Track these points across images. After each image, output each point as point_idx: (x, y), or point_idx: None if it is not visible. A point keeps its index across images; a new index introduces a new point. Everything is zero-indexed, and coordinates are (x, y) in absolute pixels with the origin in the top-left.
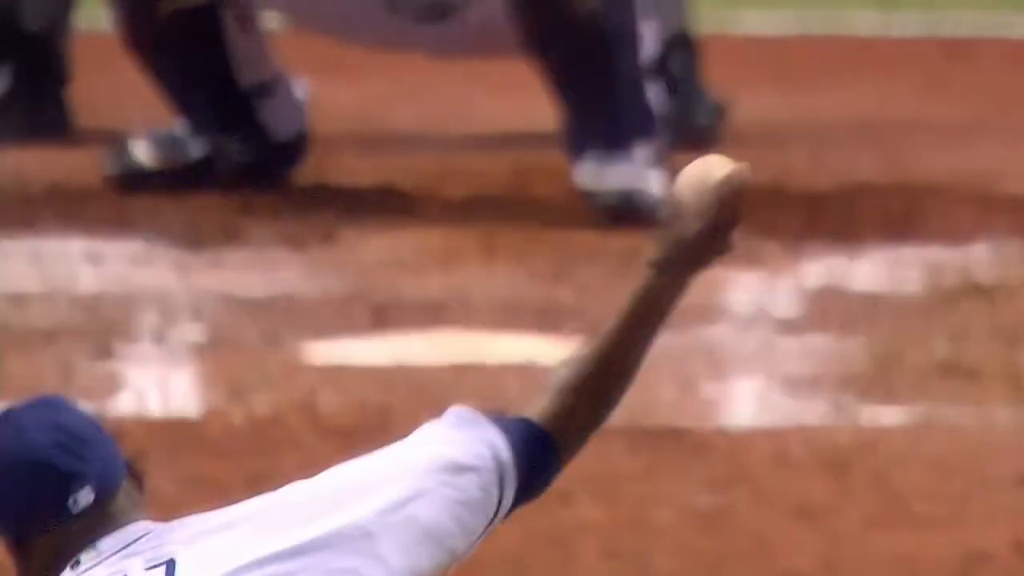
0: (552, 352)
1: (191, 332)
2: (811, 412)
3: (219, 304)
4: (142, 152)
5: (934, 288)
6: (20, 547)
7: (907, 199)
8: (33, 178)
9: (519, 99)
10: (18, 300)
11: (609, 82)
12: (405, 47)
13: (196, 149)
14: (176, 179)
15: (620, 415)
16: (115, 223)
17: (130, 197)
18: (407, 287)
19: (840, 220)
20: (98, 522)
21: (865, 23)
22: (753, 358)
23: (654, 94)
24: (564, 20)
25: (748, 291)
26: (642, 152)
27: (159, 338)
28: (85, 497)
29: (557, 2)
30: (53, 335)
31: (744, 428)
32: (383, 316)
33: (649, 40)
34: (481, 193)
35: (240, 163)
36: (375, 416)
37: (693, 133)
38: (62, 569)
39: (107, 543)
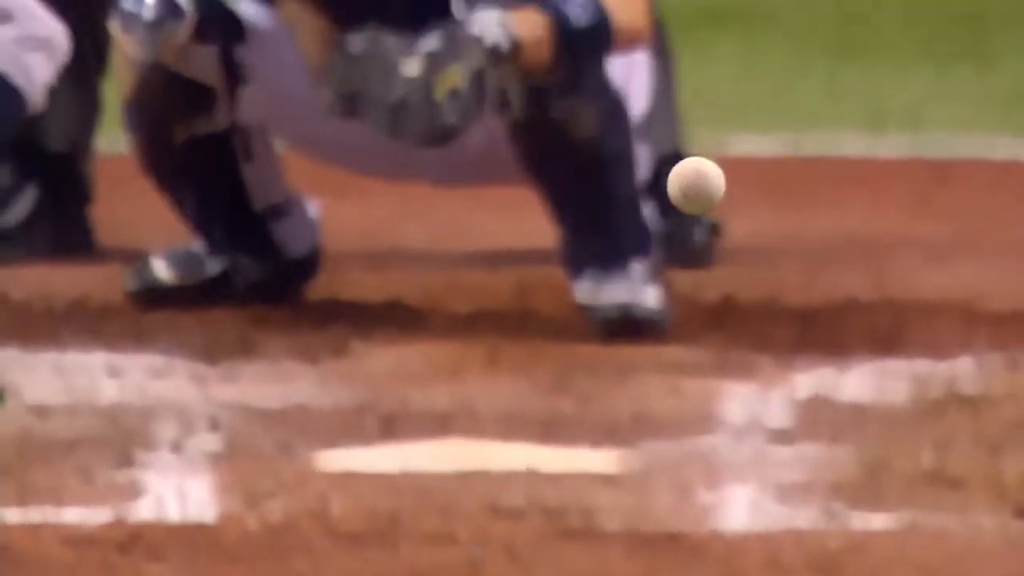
0: (554, 459)
1: (208, 441)
2: (803, 517)
3: (235, 414)
4: (161, 269)
5: (920, 399)
6: None
7: (894, 314)
8: (57, 294)
9: (521, 218)
10: (42, 411)
11: (606, 204)
12: (407, 177)
13: (213, 266)
14: (194, 295)
15: (618, 520)
16: (135, 337)
17: (150, 312)
18: (415, 397)
19: (830, 334)
20: None
21: (854, 145)
22: (747, 466)
23: (649, 213)
24: (562, 144)
25: (742, 402)
26: (639, 268)
27: (177, 447)
28: None
29: (555, 126)
30: (75, 444)
31: (739, 533)
32: (392, 425)
33: (644, 161)
34: (485, 308)
35: (256, 280)
36: (384, 521)
37: (688, 251)
38: None
39: None
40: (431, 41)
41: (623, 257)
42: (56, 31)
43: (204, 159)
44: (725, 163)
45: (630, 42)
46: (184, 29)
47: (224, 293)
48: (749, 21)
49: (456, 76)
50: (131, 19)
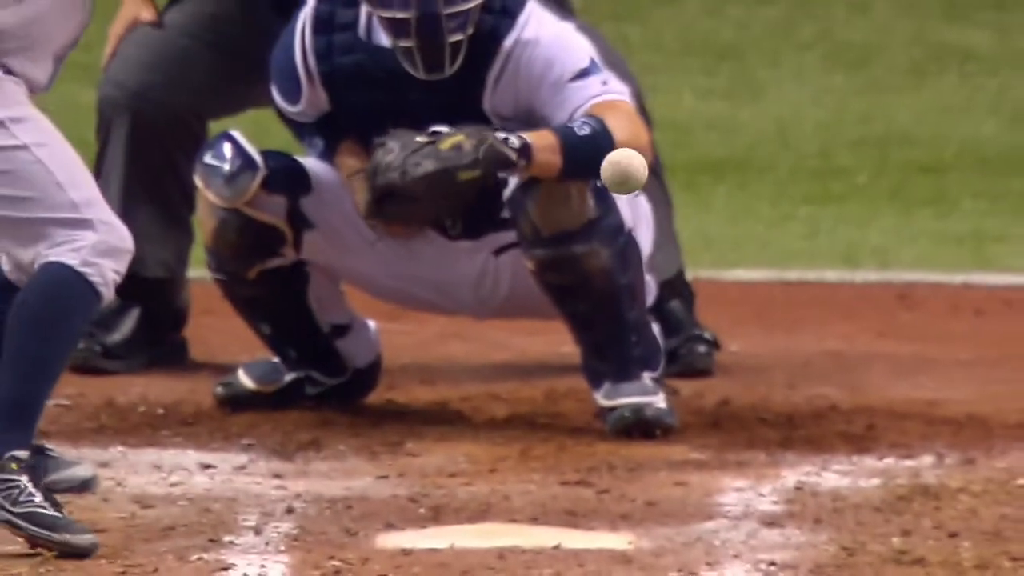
0: (577, 540)
1: (285, 526)
2: None
3: (307, 503)
4: (245, 379)
5: (889, 491)
6: None
7: (867, 419)
8: (156, 402)
9: (549, 337)
10: (143, 500)
11: (620, 327)
12: (451, 312)
13: (288, 376)
14: (272, 401)
15: None
16: (223, 437)
17: (235, 415)
18: (459, 488)
19: (812, 435)
20: None
21: (832, 274)
22: (742, 548)
23: (656, 331)
24: (581, 279)
25: (738, 492)
26: (648, 378)
27: (259, 531)
28: None
29: (576, 265)
30: (172, 529)
31: None
32: (440, 512)
33: (651, 288)
34: (519, 412)
35: (324, 388)
36: None
37: (691, 364)
38: None
39: None
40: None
41: (635, 370)
42: (125, 238)
43: (275, 290)
44: (722, 290)
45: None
46: (257, 181)
47: (298, 399)
48: (743, 172)
49: (459, 137)
50: (211, 171)
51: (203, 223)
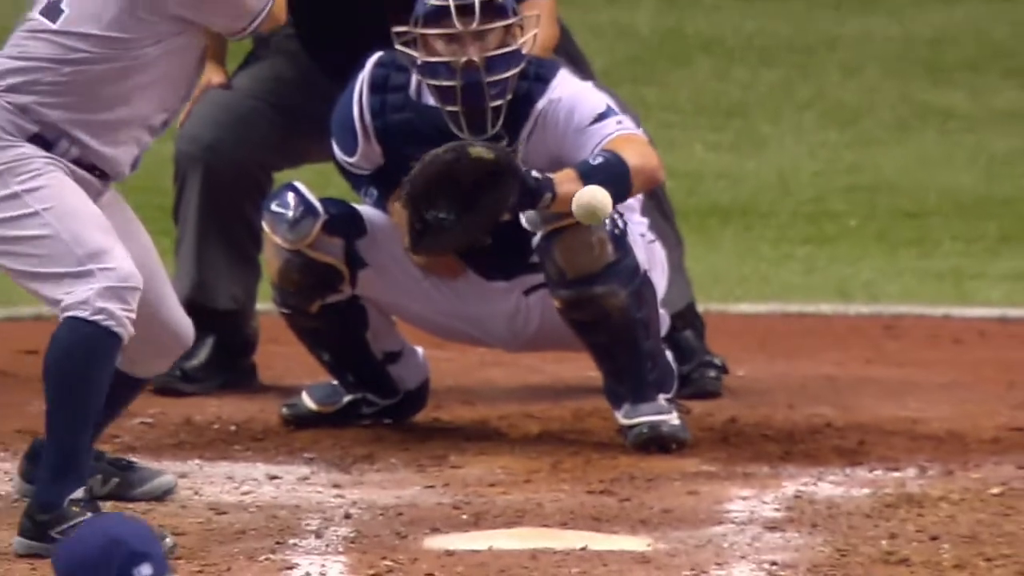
0: (601, 542)
1: (342, 531)
2: None
3: (362, 510)
4: (307, 400)
5: (877, 500)
6: None
7: (858, 435)
8: (229, 420)
9: (576, 364)
10: (217, 507)
11: (637, 356)
12: (487, 345)
13: (346, 398)
14: (332, 420)
15: None
16: (288, 452)
17: (299, 432)
18: (497, 497)
19: (809, 451)
20: None
21: (827, 307)
22: (747, 549)
23: (670, 358)
24: (602, 315)
25: (744, 500)
26: (663, 399)
27: (319, 535)
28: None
29: (597, 302)
30: (243, 533)
31: None
32: (480, 517)
33: (666, 320)
34: (550, 430)
35: (378, 408)
36: None
37: (702, 386)
38: None
39: None
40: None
41: (651, 392)
42: (128, 277)
43: (334, 322)
44: (729, 321)
45: (647, 180)
46: (317, 226)
47: (354, 418)
48: (747, 216)
49: (488, 147)
50: (277, 218)
51: (269, 263)
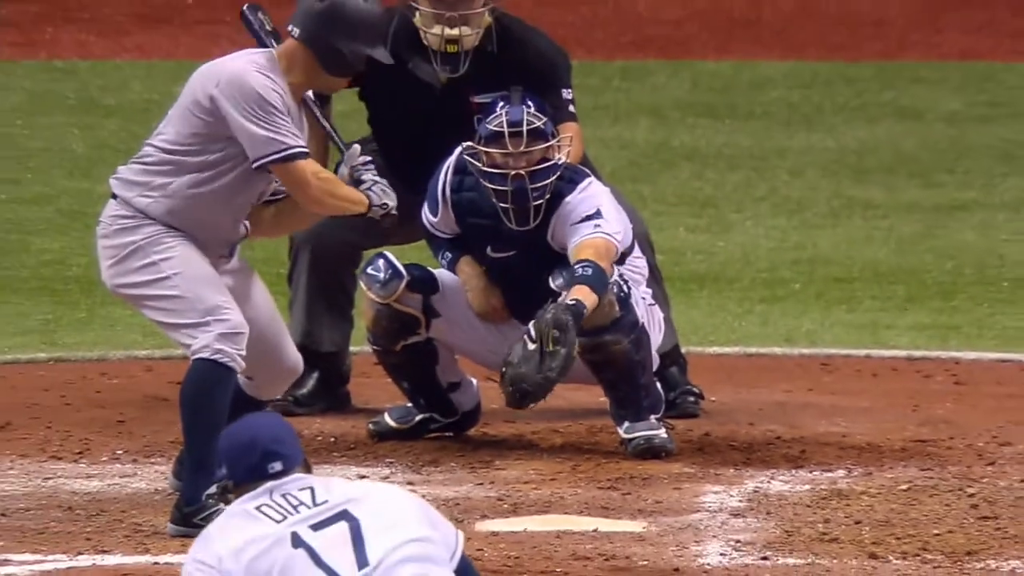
0: (609, 526)
1: None
2: (749, 561)
3: (429, 501)
4: (389, 419)
5: (816, 494)
6: (237, 487)
7: (801, 446)
8: (328, 434)
9: (590, 392)
10: None
11: (634, 387)
12: None
13: (418, 417)
14: (407, 434)
15: (645, 561)
16: (373, 457)
17: (382, 444)
18: (530, 492)
19: (765, 456)
20: (283, 477)
21: (778, 350)
22: (718, 531)
23: (659, 388)
24: (608, 356)
25: (715, 495)
26: (654, 419)
27: None
28: (277, 467)
29: (604, 347)
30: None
31: (714, 567)
32: (517, 507)
33: (656, 360)
34: (570, 441)
35: (441, 425)
36: (514, 561)
37: (683, 409)
38: (262, 493)
39: (288, 486)
40: (545, 318)
41: (645, 414)
42: (238, 325)
43: (413, 359)
44: (704, 360)
45: (610, 266)
46: (402, 286)
47: (424, 433)
48: (718, 282)
49: (556, 348)
50: (371, 279)
51: (365, 313)
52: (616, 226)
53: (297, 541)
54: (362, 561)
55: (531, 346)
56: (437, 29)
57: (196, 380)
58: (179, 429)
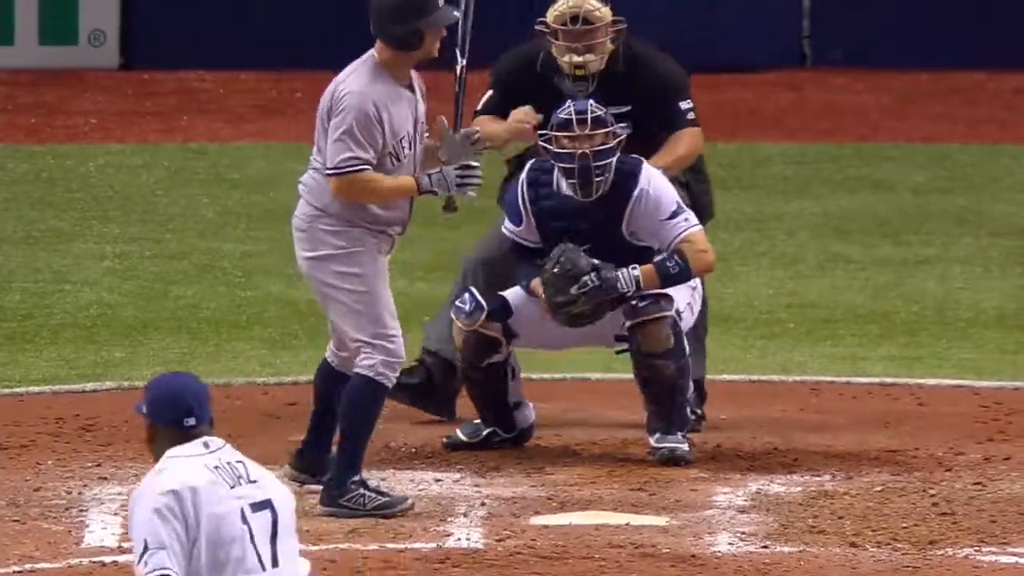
0: (638, 520)
1: (480, 512)
2: (754, 547)
3: (492, 501)
4: (460, 434)
5: (806, 494)
6: (153, 428)
7: (794, 455)
8: (411, 445)
9: (627, 409)
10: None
11: (671, 406)
12: (592, 345)
13: (484, 431)
14: (475, 446)
15: (668, 549)
16: (446, 464)
17: (454, 453)
18: (575, 492)
19: (764, 465)
20: (196, 433)
21: (776, 378)
22: (727, 524)
23: (688, 410)
24: (656, 375)
25: (724, 495)
26: (680, 434)
27: (466, 515)
28: (192, 421)
29: (656, 367)
30: (419, 514)
31: (725, 554)
32: (564, 504)
33: (691, 386)
34: (607, 451)
35: (503, 439)
36: (560, 549)
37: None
38: (181, 444)
39: (222, 453)
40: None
41: (674, 429)
42: (400, 355)
43: (492, 377)
44: (716, 387)
45: (701, 273)
46: (483, 316)
47: (488, 445)
48: (727, 322)
49: (583, 306)
50: (459, 311)
51: (456, 337)
52: (693, 214)
53: (243, 517)
54: (274, 559)
55: (572, 290)
56: (567, 57)
57: (357, 393)
58: (289, 440)
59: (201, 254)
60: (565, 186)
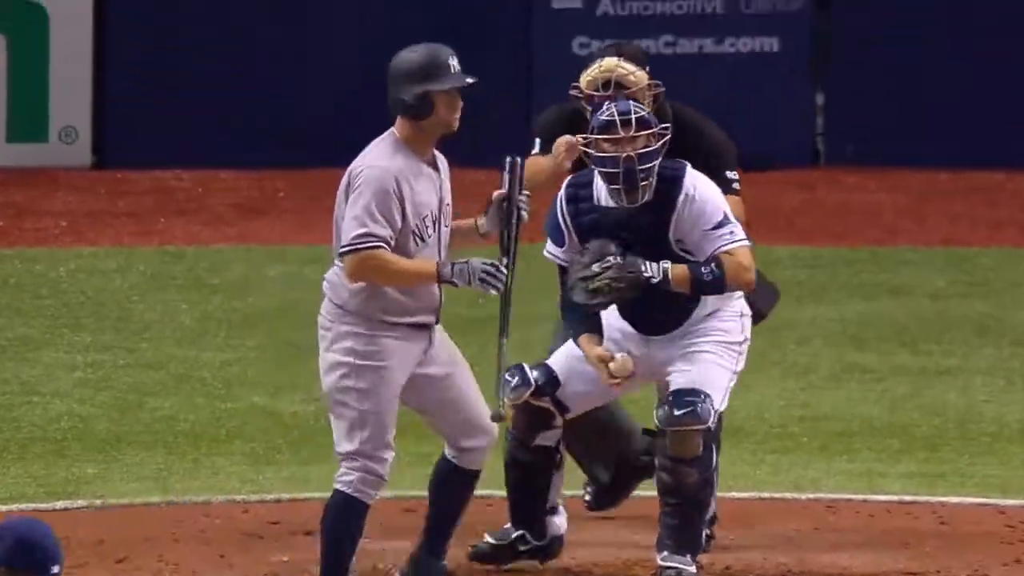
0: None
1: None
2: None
3: None
4: (491, 536)
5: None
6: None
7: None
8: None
9: (631, 526)
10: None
11: (686, 523)
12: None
13: (514, 534)
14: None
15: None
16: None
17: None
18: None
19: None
20: None
21: (789, 495)
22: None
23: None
24: (678, 482)
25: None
26: (689, 557)
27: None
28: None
29: (680, 474)
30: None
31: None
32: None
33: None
34: (608, 573)
35: (530, 547)
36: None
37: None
38: None
39: None
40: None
41: (684, 551)
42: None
43: (537, 462)
44: (725, 504)
45: (737, 288)
46: (530, 390)
47: (515, 555)
48: (737, 435)
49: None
50: (507, 384)
51: (507, 414)
52: (740, 227)
53: None
54: None
55: (594, 267)
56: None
57: (335, 509)
58: (271, 561)
59: (179, 363)
60: (606, 197)
